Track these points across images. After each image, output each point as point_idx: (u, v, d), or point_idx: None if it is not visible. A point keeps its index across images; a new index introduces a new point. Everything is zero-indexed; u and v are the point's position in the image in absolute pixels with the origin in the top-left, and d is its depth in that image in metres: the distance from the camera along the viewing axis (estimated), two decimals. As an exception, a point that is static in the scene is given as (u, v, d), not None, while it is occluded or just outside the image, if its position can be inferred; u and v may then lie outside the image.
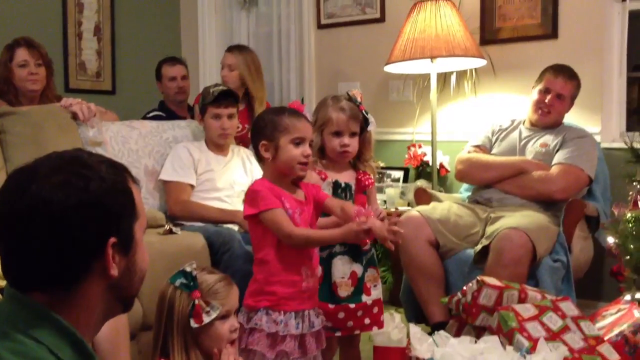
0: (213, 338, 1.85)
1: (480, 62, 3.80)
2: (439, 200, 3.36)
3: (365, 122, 2.46)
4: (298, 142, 2.16)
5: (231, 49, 4.05)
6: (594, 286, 3.53)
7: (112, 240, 1.16)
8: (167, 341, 1.82)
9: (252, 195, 2.15)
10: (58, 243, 1.12)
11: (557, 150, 3.22)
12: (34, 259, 1.13)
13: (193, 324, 1.79)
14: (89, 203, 1.14)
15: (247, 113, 3.90)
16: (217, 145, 3.34)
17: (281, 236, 2.11)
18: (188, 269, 1.84)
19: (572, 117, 3.58)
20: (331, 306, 2.38)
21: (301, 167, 2.18)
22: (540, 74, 3.37)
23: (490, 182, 3.29)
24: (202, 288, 1.84)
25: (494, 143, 3.43)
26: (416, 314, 3.05)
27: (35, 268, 1.13)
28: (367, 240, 2.36)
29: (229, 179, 3.30)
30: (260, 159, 2.24)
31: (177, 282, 1.83)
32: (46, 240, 1.12)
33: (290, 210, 2.14)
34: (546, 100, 3.28)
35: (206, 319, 1.80)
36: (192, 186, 3.22)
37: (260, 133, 2.18)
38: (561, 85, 3.27)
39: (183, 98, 4.30)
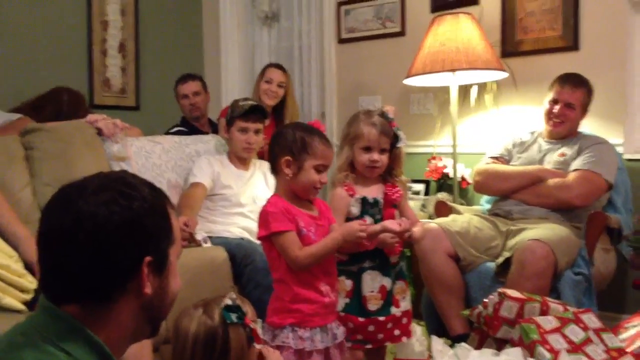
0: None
1: (502, 75, 3.80)
2: (459, 213, 3.36)
3: (395, 139, 2.47)
4: (321, 169, 2.18)
5: (280, 67, 4.13)
6: (616, 298, 3.49)
7: (148, 259, 1.20)
8: None
9: (264, 217, 2.16)
10: (99, 258, 1.15)
11: (575, 159, 3.20)
12: (74, 272, 1.16)
13: (258, 346, 1.71)
14: (131, 221, 1.18)
15: (273, 129, 3.94)
16: (240, 159, 3.37)
17: (288, 261, 2.13)
18: (230, 302, 1.72)
19: (595, 128, 3.57)
20: (361, 319, 2.40)
21: (315, 192, 2.22)
22: (550, 84, 3.36)
23: (508, 192, 3.28)
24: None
25: (514, 156, 3.43)
26: (437, 327, 3.05)
27: (75, 281, 1.16)
28: (371, 245, 2.37)
29: (251, 194, 3.32)
30: (275, 171, 2.24)
31: (234, 317, 1.70)
32: (88, 254, 1.15)
33: (305, 229, 2.15)
34: (554, 110, 3.27)
35: (262, 336, 1.75)
36: (204, 187, 3.24)
37: (286, 148, 2.17)
38: (568, 95, 3.26)
39: (197, 114, 4.34)
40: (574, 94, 3.26)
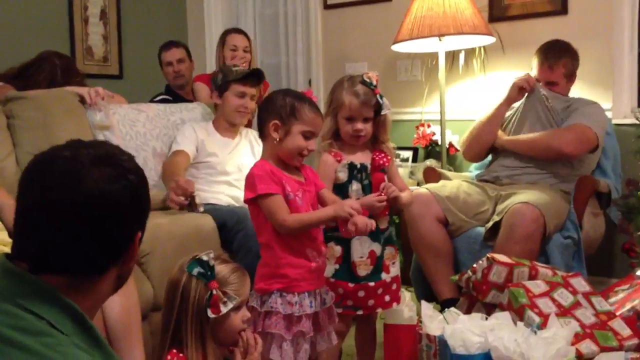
0: (227, 329, 1.84)
1: (489, 40, 3.76)
2: (448, 179, 3.35)
3: (379, 106, 2.42)
4: (308, 135, 2.16)
5: (241, 31, 4.05)
6: (605, 263, 3.51)
7: (139, 234, 1.22)
8: (179, 330, 1.80)
9: (251, 179, 2.14)
10: (104, 234, 1.15)
11: (565, 114, 3.22)
12: (77, 247, 1.14)
13: (210, 314, 1.77)
14: (133, 195, 1.18)
15: None
16: (230, 126, 3.31)
17: (275, 224, 2.10)
18: (205, 258, 1.80)
19: (583, 93, 3.56)
20: (351, 285, 2.40)
21: (300, 159, 2.20)
22: (534, 55, 3.36)
23: (493, 136, 3.29)
24: (218, 278, 1.82)
25: (508, 122, 3.38)
26: (426, 293, 3.05)
27: (74, 256, 1.15)
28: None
29: (237, 162, 3.28)
30: (263, 135, 2.22)
31: (195, 271, 1.79)
32: (95, 230, 1.14)
33: (292, 194, 2.13)
34: None
35: (223, 310, 1.79)
36: (187, 155, 3.19)
37: (275, 112, 2.15)
38: (547, 74, 3.27)
39: (181, 82, 4.26)
40: (553, 73, 3.27)
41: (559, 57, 3.26)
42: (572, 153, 3.09)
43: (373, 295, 2.43)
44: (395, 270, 2.50)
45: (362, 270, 2.41)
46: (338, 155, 2.43)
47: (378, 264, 2.44)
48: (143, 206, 1.22)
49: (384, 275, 2.45)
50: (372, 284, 2.42)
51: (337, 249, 2.41)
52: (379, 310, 2.51)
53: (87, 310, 1.17)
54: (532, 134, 3.21)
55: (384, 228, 2.45)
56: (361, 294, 2.41)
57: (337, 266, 2.41)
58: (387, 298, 2.47)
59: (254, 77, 3.28)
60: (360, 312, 2.44)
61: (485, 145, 3.34)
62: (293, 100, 2.16)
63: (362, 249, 2.40)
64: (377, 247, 2.43)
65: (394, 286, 2.49)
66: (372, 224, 2.12)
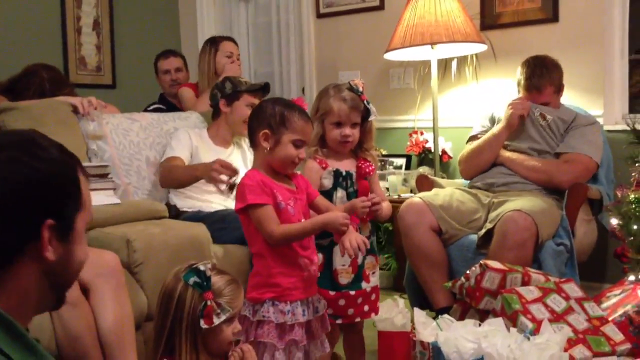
0: (218, 340, 1.83)
1: (481, 48, 3.78)
2: (441, 186, 3.36)
3: (366, 112, 2.44)
4: (299, 144, 2.15)
5: (232, 39, 4.08)
6: (598, 268, 3.52)
7: (50, 222, 1.15)
8: (172, 339, 1.79)
9: (241, 189, 2.13)
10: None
11: (565, 132, 3.24)
12: None
13: (203, 324, 1.76)
14: (35, 182, 1.14)
15: None
16: (230, 135, 3.34)
17: (264, 234, 2.09)
18: (202, 268, 1.79)
19: (575, 100, 3.58)
20: (332, 293, 2.38)
21: (292, 167, 2.19)
22: (519, 74, 3.37)
23: (490, 162, 3.31)
24: (213, 289, 1.81)
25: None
26: (419, 300, 3.05)
27: None
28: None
29: (229, 172, 3.29)
30: (254, 144, 2.21)
31: (191, 281, 1.78)
32: None
33: (283, 203, 2.12)
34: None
35: (216, 321, 1.78)
36: (183, 161, 3.18)
37: (265, 121, 2.14)
38: (537, 97, 3.30)
39: (177, 90, 4.28)
40: (542, 95, 3.30)
41: (544, 78, 3.29)
42: (569, 187, 3.12)
43: (353, 304, 2.42)
44: (374, 280, 2.48)
45: (344, 279, 2.40)
46: (323, 162, 2.43)
47: (359, 273, 2.43)
48: (50, 195, 1.16)
49: (364, 285, 2.44)
50: (352, 292, 2.41)
51: (319, 257, 2.38)
52: (358, 319, 2.48)
53: (14, 311, 1.13)
54: (534, 159, 3.22)
55: (365, 237, 2.44)
56: (341, 302, 2.40)
57: (318, 274, 2.40)
58: (365, 308, 2.45)
59: (264, 90, 3.34)
60: (339, 321, 2.43)
61: (486, 167, 3.35)
62: (283, 109, 2.15)
63: (344, 258, 2.36)
64: (359, 256, 2.41)
65: (373, 296, 2.48)
66: (362, 243, 2.12)
